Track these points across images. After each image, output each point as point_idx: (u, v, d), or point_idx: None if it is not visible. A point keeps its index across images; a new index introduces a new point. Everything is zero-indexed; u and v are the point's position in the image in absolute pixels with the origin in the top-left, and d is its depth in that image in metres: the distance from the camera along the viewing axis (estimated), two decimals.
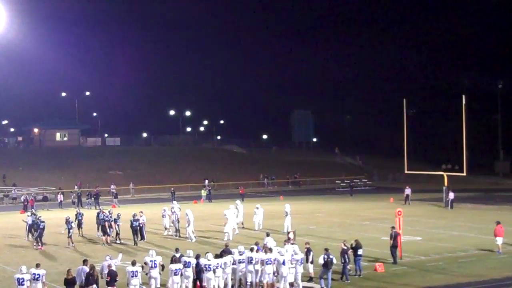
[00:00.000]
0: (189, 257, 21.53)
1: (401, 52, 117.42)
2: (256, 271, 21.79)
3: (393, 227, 27.11)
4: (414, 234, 33.94)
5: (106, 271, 20.39)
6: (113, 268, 20.49)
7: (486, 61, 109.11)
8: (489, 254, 28.47)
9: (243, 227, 36.88)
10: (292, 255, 22.02)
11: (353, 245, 24.48)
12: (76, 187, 60.26)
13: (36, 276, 19.56)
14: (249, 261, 21.79)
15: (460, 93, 53.56)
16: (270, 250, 22.50)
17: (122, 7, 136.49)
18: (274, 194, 64.67)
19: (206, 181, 69.86)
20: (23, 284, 19.14)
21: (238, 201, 38.90)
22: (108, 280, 20.02)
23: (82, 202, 54.35)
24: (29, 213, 36.91)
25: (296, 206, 37.65)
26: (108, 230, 32.87)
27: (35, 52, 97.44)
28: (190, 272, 21.12)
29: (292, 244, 23.67)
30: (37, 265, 20.39)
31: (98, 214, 35.32)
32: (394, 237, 26.55)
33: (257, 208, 36.84)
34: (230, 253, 22.64)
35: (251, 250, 22.23)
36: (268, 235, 26.65)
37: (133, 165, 78.41)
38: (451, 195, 48.79)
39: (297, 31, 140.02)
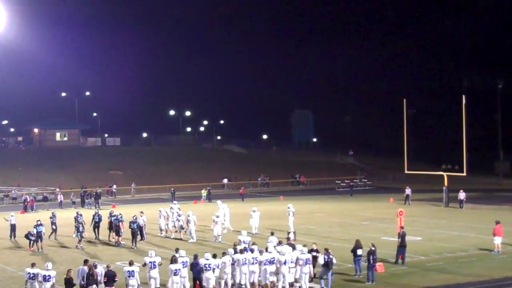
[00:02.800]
0: (181, 256, 21.57)
1: (401, 52, 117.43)
2: (251, 272, 21.66)
3: (402, 227, 27.16)
4: (414, 234, 33.87)
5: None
6: (111, 268, 20.57)
7: (486, 61, 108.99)
8: (489, 254, 28.49)
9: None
10: (300, 253, 22.00)
11: (354, 245, 24.49)
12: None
13: (32, 276, 19.82)
14: (244, 262, 21.63)
15: (460, 93, 53.55)
16: (266, 250, 22.46)
17: (121, 7, 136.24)
18: (274, 194, 64.68)
19: (225, 180, 70.03)
20: (49, 281, 19.24)
21: (219, 202, 38.21)
22: (105, 280, 20.09)
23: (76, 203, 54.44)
24: (10, 214, 36.17)
25: (296, 206, 37.58)
26: (120, 231, 32.69)
27: (35, 52, 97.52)
28: (185, 272, 21.14)
29: (291, 244, 23.63)
30: (33, 265, 20.45)
31: (93, 216, 35.29)
32: (403, 237, 26.56)
33: (254, 211, 35.93)
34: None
35: (241, 252, 22.10)
36: (272, 234, 26.66)
37: (133, 165, 78.44)
38: (462, 195, 48.89)
39: (297, 31, 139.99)
